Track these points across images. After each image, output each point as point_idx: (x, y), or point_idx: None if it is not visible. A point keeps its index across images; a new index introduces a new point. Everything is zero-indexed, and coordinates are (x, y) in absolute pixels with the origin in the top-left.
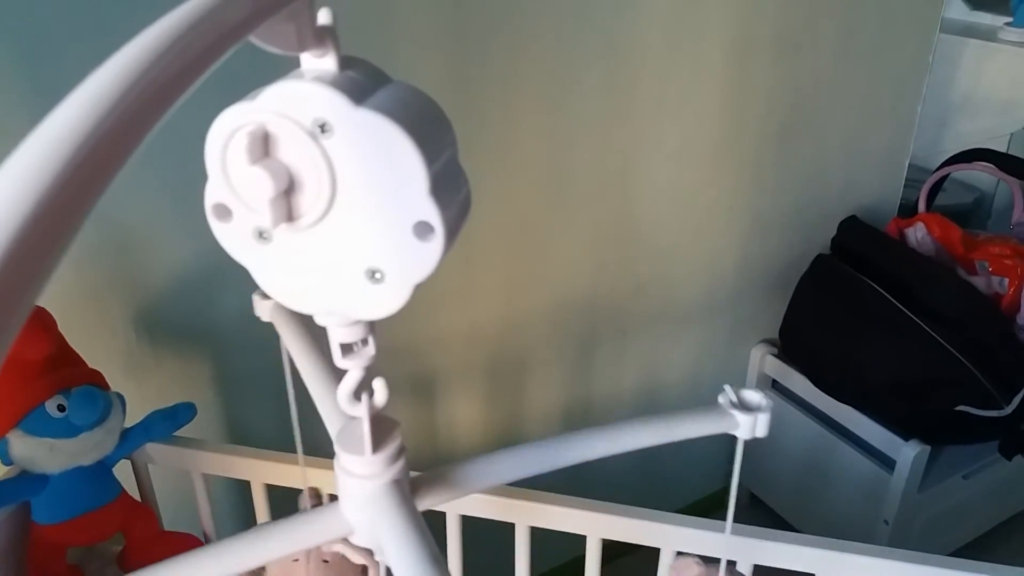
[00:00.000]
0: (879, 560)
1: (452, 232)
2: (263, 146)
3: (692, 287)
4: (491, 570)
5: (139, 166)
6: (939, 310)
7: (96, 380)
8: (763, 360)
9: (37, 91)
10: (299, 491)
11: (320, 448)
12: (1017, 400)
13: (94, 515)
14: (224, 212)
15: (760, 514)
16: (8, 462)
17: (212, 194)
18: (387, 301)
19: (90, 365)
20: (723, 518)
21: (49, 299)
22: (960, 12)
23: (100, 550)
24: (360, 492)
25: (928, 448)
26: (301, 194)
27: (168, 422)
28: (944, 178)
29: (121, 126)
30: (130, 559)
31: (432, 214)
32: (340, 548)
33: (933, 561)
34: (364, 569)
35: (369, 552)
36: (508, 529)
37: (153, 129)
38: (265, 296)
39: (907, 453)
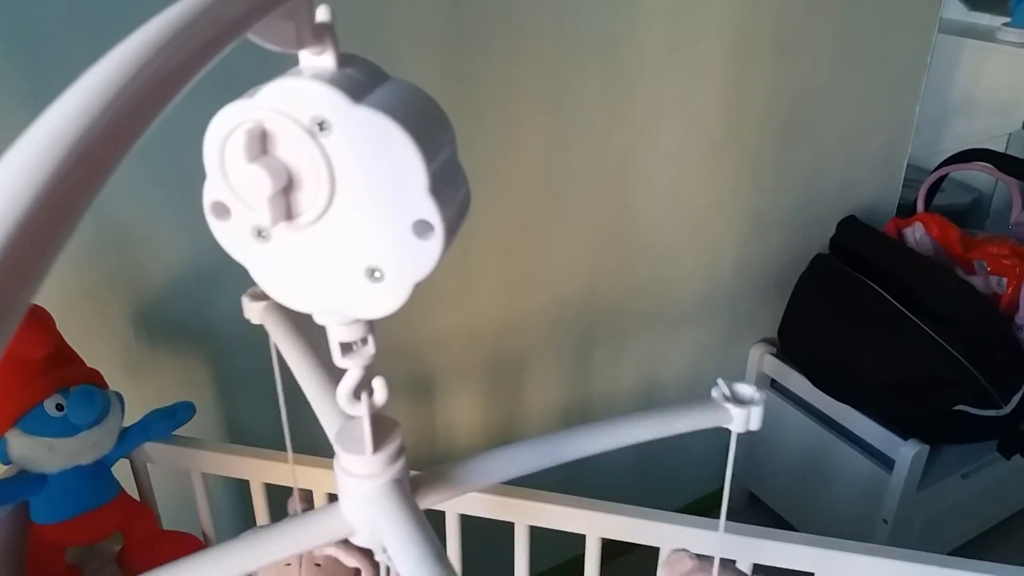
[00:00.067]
0: (878, 559)
1: (452, 231)
2: (261, 144)
3: (691, 287)
4: (490, 569)
5: (137, 164)
6: (938, 310)
7: (95, 379)
8: (762, 359)
9: (35, 90)
10: (301, 490)
11: (318, 448)
12: (1015, 400)
13: (93, 514)
14: (223, 210)
15: (759, 514)
16: (7, 461)
17: (210, 192)
18: (387, 300)
19: (89, 364)
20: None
21: (48, 298)
22: (958, 12)
23: (99, 549)
24: (360, 492)
25: (927, 447)
26: (300, 192)
27: (167, 421)
28: (942, 178)
29: (119, 122)
30: (129, 558)
31: (432, 212)
32: (333, 551)
33: (932, 560)
34: (357, 572)
35: (364, 554)
36: (507, 528)
37: (151, 125)
38: (254, 298)
39: (906, 452)
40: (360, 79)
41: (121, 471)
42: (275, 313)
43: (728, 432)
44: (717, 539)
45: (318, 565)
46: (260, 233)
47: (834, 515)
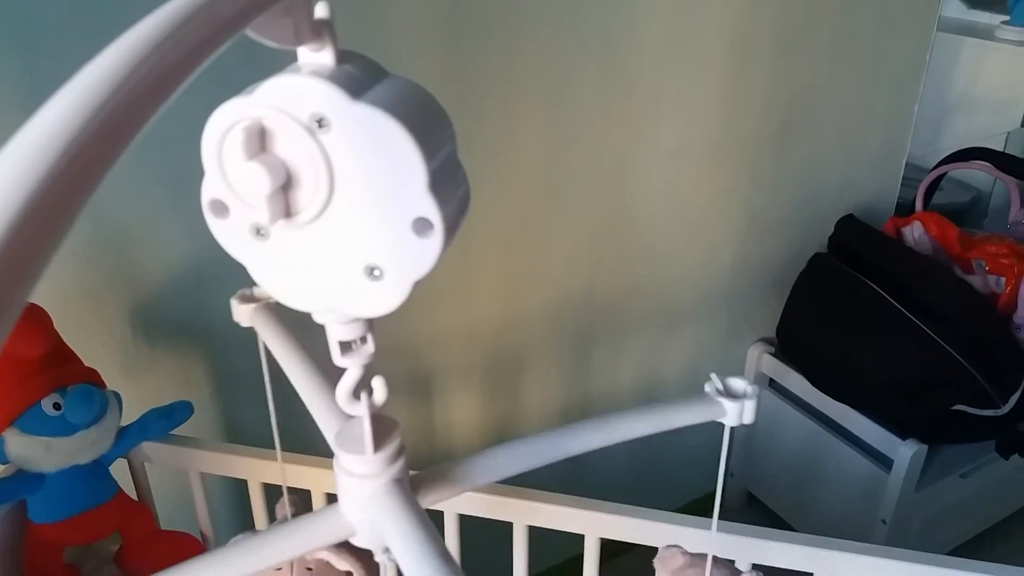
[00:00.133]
0: (877, 559)
1: (451, 229)
2: (260, 141)
3: (689, 286)
4: (489, 569)
5: (135, 163)
6: (936, 309)
7: (92, 378)
8: (760, 359)
9: (33, 89)
10: (299, 490)
11: (315, 448)
12: (1014, 399)
13: (91, 514)
14: (221, 208)
15: (758, 514)
16: (4, 461)
17: (209, 190)
18: (386, 298)
19: (86, 363)
20: (722, 517)
21: (45, 297)
22: (957, 11)
23: (97, 549)
24: (361, 492)
25: (925, 447)
26: (299, 190)
27: (165, 421)
28: (941, 177)
29: (114, 120)
30: (127, 558)
31: (431, 210)
32: (324, 555)
33: (931, 560)
34: (348, 575)
35: (355, 557)
36: (506, 528)
37: (148, 123)
38: (244, 300)
39: (904, 452)
40: (359, 76)
41: (119, 471)
42: (266, 315)
43: (722, 433)
44: (715, 539)
45: (310, 569)
46: (259, 231)
47: (832, 515)
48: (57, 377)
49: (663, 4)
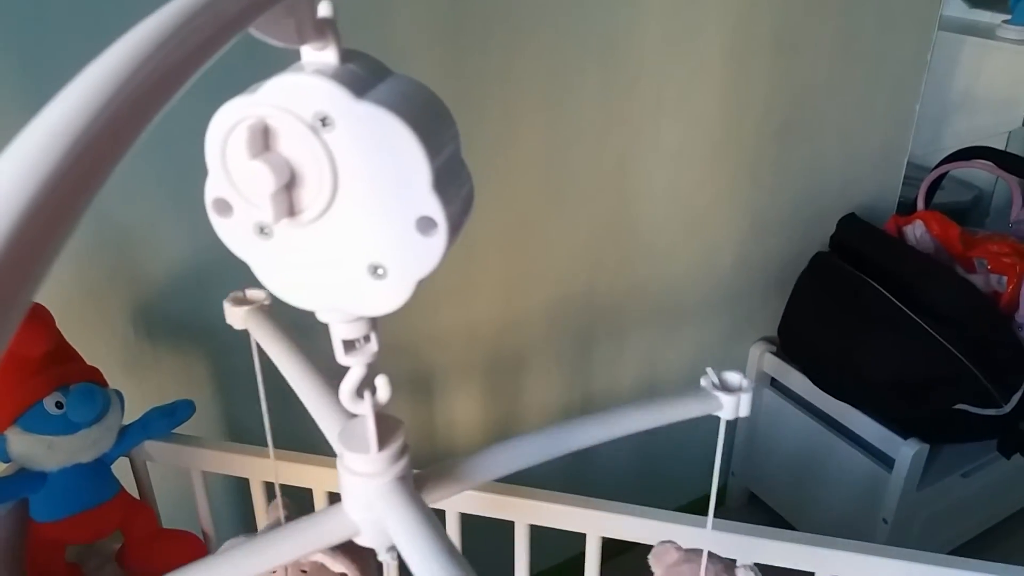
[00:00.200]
0: (878, 558)
1: (455, 227)
2: (263, 140)
3: (690, 285)
4: (490, 568)
5: (137, 162)
6: (938, 308)
7: (94, 377)
8: (762, 358)
9: (34, 89)
10: (300, 489)
11: (318, 448)
12: (1016, 399)
13: (93, 512)
14: (224, 207)
15: (759, 513)
16: (6, 459)
17: (212, 189)
18: (390, 297)
19: (88, 362)
20: (723, 516)
21: (47, 296)
22: (959, 10)
23: (99, 547)
24: (365, 491)
25: (927, 446)
26: (302, 189)
27: (167, 419)
28: (943, 176)
29: (120, 118)
30: (129, 557)
31: (435, 209)
32: (319, 557)
33: (932, 559)
34: None
35: (351, 559)
36: (507, 527)
37: (151, 122)
38: (236, 303)
39: (906, 451)
40: (363, 75)
41: (121, 469)
42: (259, 317)
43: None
44: (711, 537)
45: (304, 572)
46: (262, 230)
47: (834, 514)
48: (59, 376)
49: (663, 4)
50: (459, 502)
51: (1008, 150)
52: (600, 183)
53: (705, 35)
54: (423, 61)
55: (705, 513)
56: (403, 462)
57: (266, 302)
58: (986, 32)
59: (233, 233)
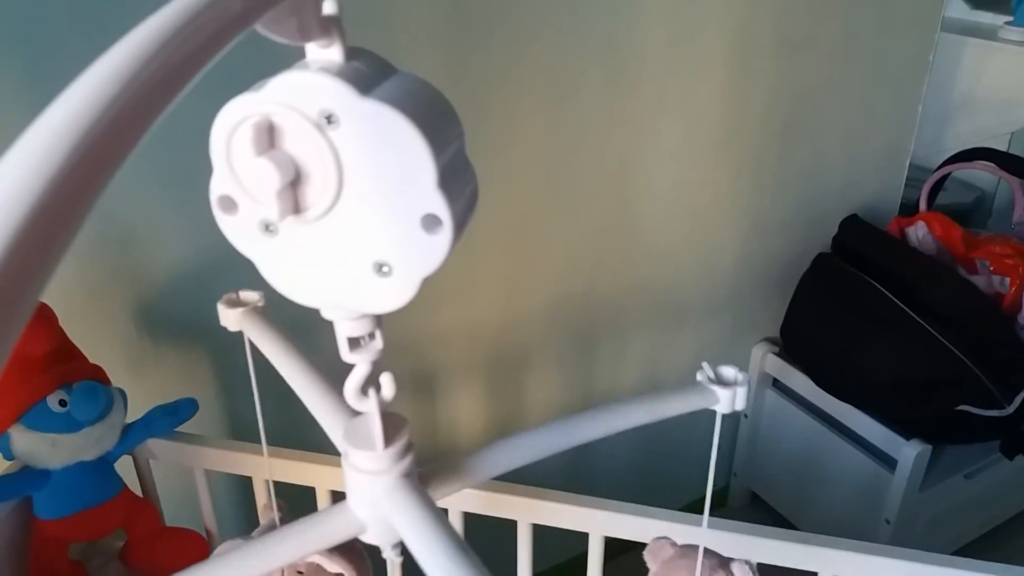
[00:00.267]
0: (881, 559)
1: (460, 225)
2: (269, 138)
3: (692, 286)
4: (492, 567)
5: (139, 161)
6: (940, 309)
7: (98, 375)
8: (764, 359)
9: (35, 88)
10: (302, 487)
11: (321, 447)
12: (1018, 400)
13: (96, 510)
14: (230, 205)
15: (761, 513)
16: (10, 457)
17: (217, 186)
18: (395, 295)
19: (91, 360)
20: (725, 516)
21: (50, 294)
22: (961, 11)
23: (102, 545)
24: (371, 488)
25: (929, 447)
26: (308, 186)
27: (169, 418)
28: (945, 177)
29: (125, 116)
30: (132, 555)
31: (440, 207)
32: (315, 557)
33: (936, 560)
34: None
35: (347, 559)
36: (510, 526)
37: (156, 121)
38: (231, 305)
39: (908, 452)
40: (368, 72)
41: (124, 467)
42: (254, 318)
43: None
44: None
45: (300, 573)
46: (267, 227)
47: (836, 515)
48: (63, 374)
49: (664, 4)
50: (462, 501)
51: (1010, 151)
52: (601, 183)
53: (707, 35)
54: (424, 61)
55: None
56: (408, 459)
57: (260, 303)
58: (988, 33)
59: (238, 230)
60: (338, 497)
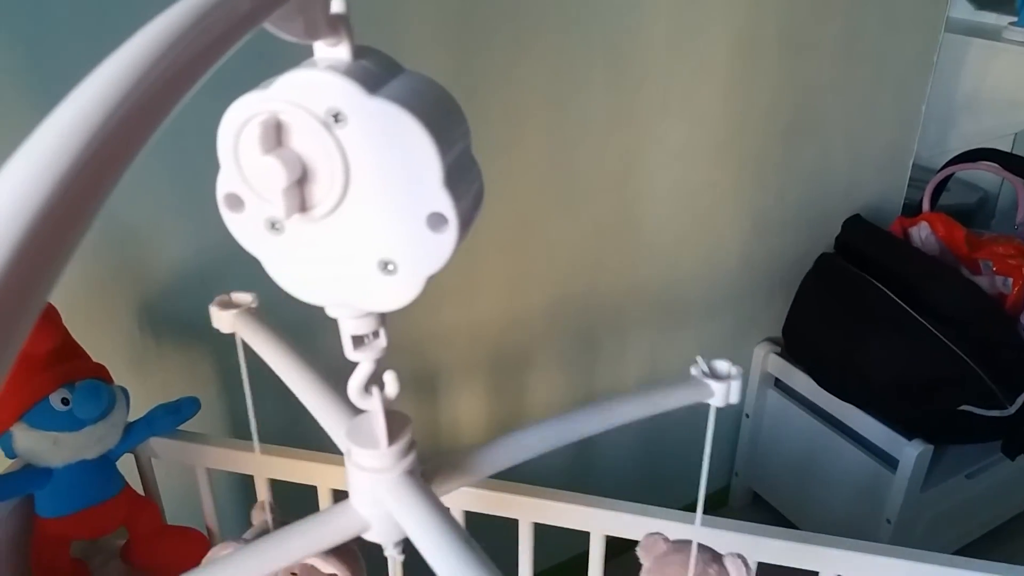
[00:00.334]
0: (883, 558)
1: (465, 224)
2: (276, 135)
3: (695, 285)
4: None
5: (144, 160)
6: (943, 309)
7: (100, 374)
8: (766, 358)
9: (38, 88)
10: (305, 486)
11: (323, 446)
12: (1020, 400)
13: (98, 509)
14: (236, 202)
15: (762, 512)
16: (12, 455)
17: (224, 184)
18: (399, 293)
19: (94, 359)
20: (726, 515)
21: (54, 293)
22: (965, 12)
23: (103, 544)
24: (374, 486)
25: (931, 447)
26: (314, 184)
27: (172, 416)
28: (948, 177)
29: (133, 117)
30: (134, 553)
31: (446, 205)
32: (309, 559)
33: (938, 560)
34: None
35: (341, 560)
36: (511, 525)
37: (165, 120)
38: (223, 307)
39: (910, 452)
40: (375, 71)
41: (126, 466)
42: (248, 320)
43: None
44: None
45: (294, 574)
46: (274, 225)
47: (837, 515)
48: (65, 372)
49: (667, 4)
50: (463, 500)
51: (1014, 152)
52: (603, 183)
53: (709, 35)
54: (428, 60)
55: (709, 512)
56: (412, 456)
57: (253, 305)
58: (992, 34)
59: (244, 228)
60: (340, 496)
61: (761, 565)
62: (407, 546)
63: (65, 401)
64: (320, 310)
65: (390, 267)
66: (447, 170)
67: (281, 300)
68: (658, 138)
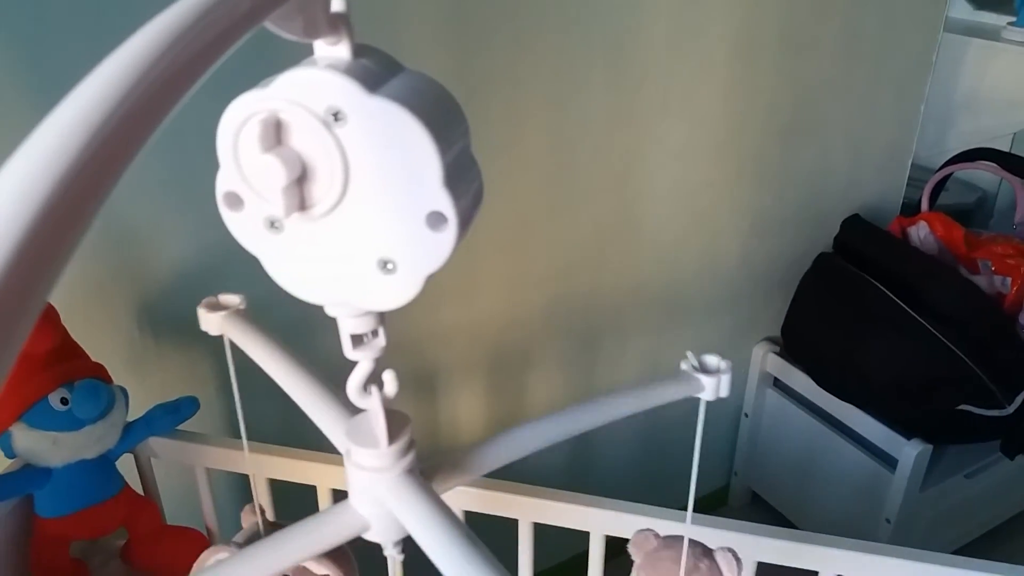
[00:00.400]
0: (882, 558)
1: (465, 223)
2: (276, 134)
3: (694, 285)
4: None
5: (142, 159)
6: (941, 309)
7: (99, 374)
8: (765, 358)
9: (38, 88)
10: (304, 486)
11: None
12: (1019, 399)
13: (97, 509)
14: (236, 201)
15: (761, 512)
16: (12, 455)
17: (224, 183)
18: (399, 292)
19: (93, 358)
20: (725, 515)
21: (53, 293)
22: (964, 11)
23: (103, 544)
24: (374, 485)
25: (930, 447)
26: (314, 183)
27: (171, 416)
28: (947, 177)
29: (134, 115)
30: (133, 553)
31: (446, 204)
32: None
33: (937, 559)
34: None
35: (334, 562)
36: (511, 525)
37: (165, 119)
38: (211, 308)
39: (909, 452)
40: (375, 70)
41: (125, 466)
42: (237, 321)
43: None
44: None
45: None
46: (273, 224)
47: (837, 514)
48: (65, 372)
49: (667, 4)
50: (463, 500)
51: (1013, 152)
52: (603, 182)
53: (709, 35)
54: (428, 59)
55: (709, 511)
56: (411, 455)
57: (241, 306)
58: (991, 34)
59: (244, 227)
60: (340, 496)
61: (761, 565)
62: (406, 546)
63: (64, 401)
64: (318, 310)
65: (389, 266)
66: (447, 169)
67: (279, 300)
68: (658, 138)
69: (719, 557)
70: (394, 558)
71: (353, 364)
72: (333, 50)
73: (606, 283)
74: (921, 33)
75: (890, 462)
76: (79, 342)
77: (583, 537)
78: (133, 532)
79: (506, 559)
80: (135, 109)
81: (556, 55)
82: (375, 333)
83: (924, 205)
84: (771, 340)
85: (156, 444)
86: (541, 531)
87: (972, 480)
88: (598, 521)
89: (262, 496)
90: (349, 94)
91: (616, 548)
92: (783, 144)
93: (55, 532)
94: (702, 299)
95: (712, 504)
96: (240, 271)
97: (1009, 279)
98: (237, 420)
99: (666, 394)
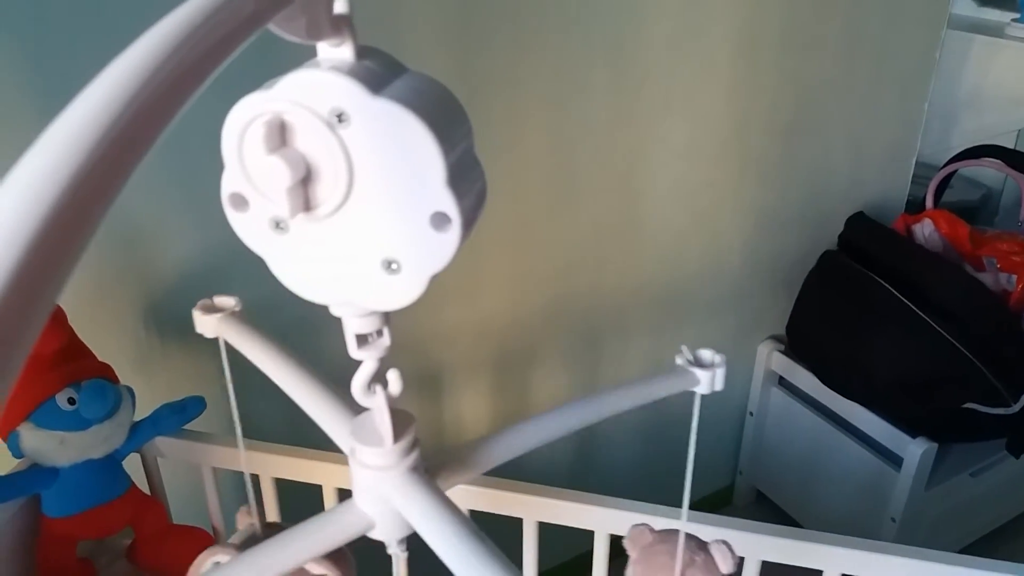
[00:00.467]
0: (887, 556)
1: (469, 223)
2: (280, 135)
3: (698, 283)
4: None
5: (149, 159)
6: (946, 307)
7: (106, 373)
8: (770, 356)
9: (40, 89)
10: (310, 485)
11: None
12: None
13: (104, 508)
14: (241, 202)
15: (766, 511)
16: (19, 455)
17: (229, 184)
18: (403, 292)
19: (100, 358)
20: (731, 513)
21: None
22: (968, 8)
23: (109, 543)
24: (379, 484)
25: (935, 446)
26: (318, 184)
27: (177, 416)
28: (951, 174)
29: (142, 117)
30: (139, 552)
31: (449, 205)
32: None
33: (942, 558)
34: None
35: (332, 562)
36: (516, 524)
37: (172, 121)
38: (206, 311)
39: (914, 451)
40: (378, 71)
41: (131, 465)
42: (233, 323)
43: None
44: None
45: None
46: (278, 225)
47: (841, 513)
48: (71, 372)
49: (669, 3)
50: (467, 499)
51: (1017, 148)
52: (606, 182)
53: (712, 34)
54: (430, 60)
55: (713, 509)
56: (416, 453)
57: (237, 308)
58: (995, 31)
59: (248, 228)
60: (345, 495)
61: (765, 564)
62: (410, 544)
63: (71, 401)
64: (323, 309)
65: (394, 266)
66: (450, 170)
67: (283, 300)
68: (660, 137)
69: (714, 550)
70: (398, 556)
71: (358, 363)
72: (336, 52)
73: (609, 282)
74: (924, 30)
75: (895, 461)
76: (86, 342)
77: (588, 536)
78: (139, 532)
79: (510, 558)
80: (143, 111)
81: (557, 55)
82: (380, 333)
83: (929, 202)
84: (776, 338)
85: (163, 444)
86: (545, 530)
87: (977, 479)
88: (602, 520)
89: (268, 496)
90: (353, 95)
91: (621, 547)
92: (786, 143)
93: (62, 532)
94: (705, 298)
95: (717, 503)
96: (245, 271)
97: (1015, 276)
98: (243, 419)
99: (662, 388)
